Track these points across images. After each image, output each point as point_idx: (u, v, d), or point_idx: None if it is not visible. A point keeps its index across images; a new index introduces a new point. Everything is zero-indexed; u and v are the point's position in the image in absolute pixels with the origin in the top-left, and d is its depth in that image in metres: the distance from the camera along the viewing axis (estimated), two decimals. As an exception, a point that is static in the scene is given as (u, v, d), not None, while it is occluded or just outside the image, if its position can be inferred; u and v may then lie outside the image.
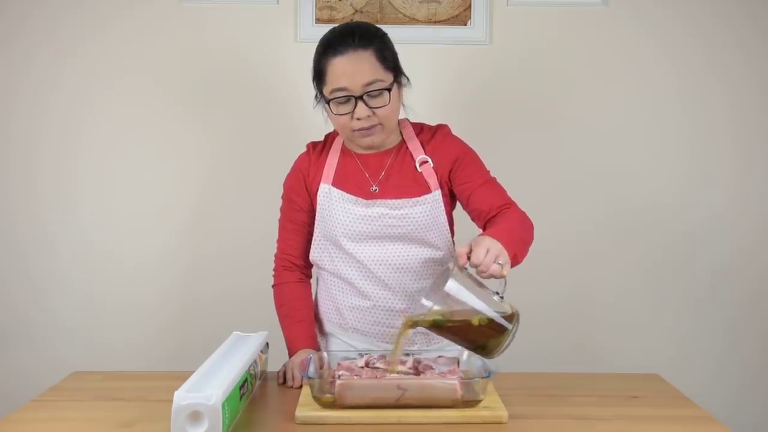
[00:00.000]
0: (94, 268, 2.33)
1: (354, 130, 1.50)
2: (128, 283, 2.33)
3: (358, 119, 1.48)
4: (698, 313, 2.36)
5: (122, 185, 2.32)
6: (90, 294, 2.33)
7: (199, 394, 1.12)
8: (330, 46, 1.49)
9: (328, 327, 1.67)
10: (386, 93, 1.48)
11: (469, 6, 2.26)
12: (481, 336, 1.28)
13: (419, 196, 1.54)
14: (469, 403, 1.25)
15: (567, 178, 2.33)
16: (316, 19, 2.26)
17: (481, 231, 1.56)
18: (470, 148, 1.61)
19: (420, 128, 1.63)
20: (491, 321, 1.27)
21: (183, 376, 1.20)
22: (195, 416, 1.11)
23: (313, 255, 1.63)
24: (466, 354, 1.42)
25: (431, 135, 1.61)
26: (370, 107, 1.47)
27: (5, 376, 2.32)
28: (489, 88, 2.30)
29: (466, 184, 1.56)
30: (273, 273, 1.67)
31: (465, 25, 2.27)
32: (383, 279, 1.55)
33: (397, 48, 1.55)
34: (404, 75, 1.56)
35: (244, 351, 1.37)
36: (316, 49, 1.52)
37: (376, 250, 1.55)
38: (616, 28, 2.30)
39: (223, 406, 1.13)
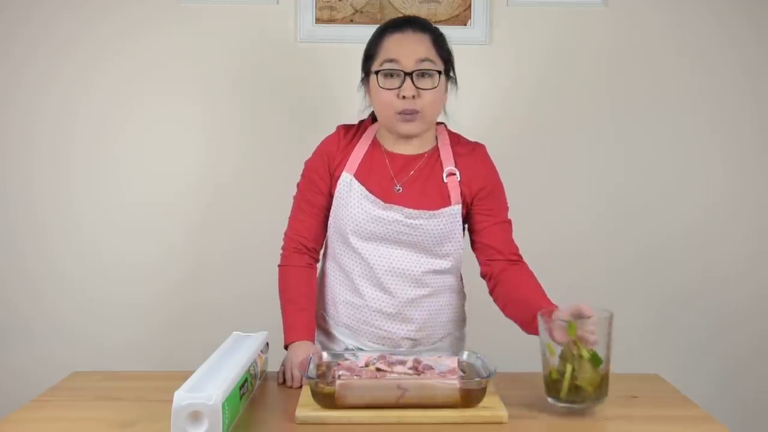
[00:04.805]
0: (93, 268, 2.33)
1: (397, 112, 1.49)
2: (128, 283, 2.33)
3: (404, 97, 1.47)
4: (698, 313, 2.36)
5: (121, 185, 2.32)
6: (90, 294, 2.33)
7: (199, 394, 1.12)
8: (388, 27, 1.53)
9: (319, 319, 1.66)
10: (436, 75, 1.48)
11: (469, 6, 2.26)
12: (585, 380, 1.25)
13: (437, 209, 1.52)
14: (469, 403, 1.25)
15: (566, 177, 2.33)
16: (316, 19, 2.26)
17: (476, 254, 1.60)
18: (501, 180, 1.61)
19: (457, 139, 1.61)
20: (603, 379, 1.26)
21: (183, 376, 1.20)
22: (195, 416, 1.11)
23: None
24: (466, 354, 1.42)
25: (469, 151, 1.59)
26: (417, 87, 1.47)
27: (5, 376, 2.31)
28: (489, 88, 2.31)
29: (486, 216, 1.56)
30: (281, 252, 1.64)
31: (465, 25, 2.27)
32: (383, 282, 1.55)
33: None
34: (455, 75, 1.57)
35: (244, 351, 1.37)
36: (372, 34, 1.55)
37: (382, 252, 1.54)
38: (616, 28, 2.30)
39: (223, 406, 1.13)
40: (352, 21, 2.25)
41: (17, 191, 2.32)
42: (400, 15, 2.25)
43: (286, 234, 1.64)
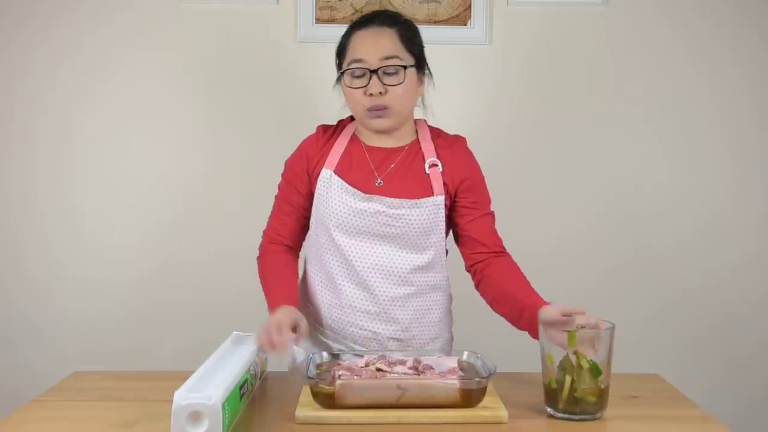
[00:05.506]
0: (94, 268, 2.33)
1: (366, 109, 1.49)
2: (129, 282, 2.33)
3: (371, 95, 1.47)
4: (699, 313, 2.36)
5: (122, 185, 2.32)
6: (90, 294, 2.33)
7: (199, 394, 1.12)
8: (356, 24, 1.54)
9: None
10: (402, 71, 1.48)
11: (469, 6, 2.26)
12: (584, 391, 1.24)
13: (420, 198, 1.52)
14: (469, 403, 1.25)
15: (566, 178, 2.33)
16: (316, 19, 2.26)
17: (461, 248, 1.59)
18: (482, 172, 1.61)
19: (438, 133, 1.62)
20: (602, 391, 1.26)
21: (183, 376, 1.20)
22: (195, 416, 1.11)
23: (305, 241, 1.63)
24: (466, 354, 1.42)
25: (449, 143, 1.59)
26: (384, 84, 1.47)
27: (5, 376, 2.32)
28: (488, 88, 2.31)
29: (471, 209, 1.56)
30: (258, 248, 1.63)
31: (465, 25, 2.27)
32: (365, 279, 1.53)
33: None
34: (428, 68, 1.57)
35: (244, 351, 1.37)
36: (344, 32, 1.56)
37: (366, 248, 1.53)
38: (616, 28, 2.30)
39: (223, 406, 1.13)
40: (352, 21, 2.24)
41: (18, 191, 2.32)
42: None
43: (264, 232, 1.65)
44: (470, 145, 1.63)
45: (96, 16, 2.29)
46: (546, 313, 1.33)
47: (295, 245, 1.64)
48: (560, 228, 2.32)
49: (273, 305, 1.48)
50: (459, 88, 2.30)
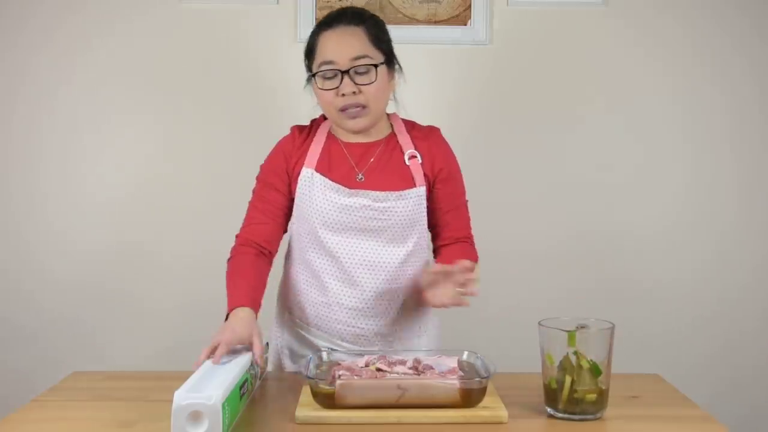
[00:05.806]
0: (95, 269, 2.33)
1: (339, 110, 1.49)
2: (128, 282, 2.34)
3: (343, 95, 1.47)
4: (698, 313, 2.36)
5: (123, 184, 2.33)
6: (91, 294, 2.33)
7: (199, 394, 1.12)
8: (323, 23, 1.51)
9: (289, 323, 1.64)
10: (373, 70, 1.47)
11: (469, 6, 2.26)
12: (584, 391, 1.24)
13: (403, 189, 1.52)
14: (469, 403, 1.25)
15: (566, 178, 2.33)
16: (316, 19, 2.26)
17: (432, 237, 1.63)
18: (458, 163, 1.61)
19: (412, 125, 1.62)
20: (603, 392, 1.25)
21: (183, 376, 1.20)
22: (195, 416, 1.11)
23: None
24: (466, 354, 1.42)
25: (425, 134, 1.60)
26: (356, 84, 1.46)
27: (5, 376, 2.32)
28: (489, 88, 2.31)
29: (444, 201, 1.57)
30: (230, 251, 1.57)
31: (465, 25, 2.27)
32: (352, 275, 1.53)
33: (397, 48, 1.55)
34: (398, 63, 1.56)
35: (244, 351, 1.37)
36: (311, 32, 1.54)
37: (352, 243, 1.52)
38: (616, 28, 2.30)
39: (223, 406, 1.13)
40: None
41: (21, 191, 2.33)
42: (400, 15, 2.26)
43: (236, 236, 1.59)
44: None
45: (96, 17, 2.29)
46: (423, 277, 1.40)
47: (269, 247, 1.57)
48: (558, 228, 2.32)
49: (230, 306, 1.43)
50: (459, 88, 2.30)
